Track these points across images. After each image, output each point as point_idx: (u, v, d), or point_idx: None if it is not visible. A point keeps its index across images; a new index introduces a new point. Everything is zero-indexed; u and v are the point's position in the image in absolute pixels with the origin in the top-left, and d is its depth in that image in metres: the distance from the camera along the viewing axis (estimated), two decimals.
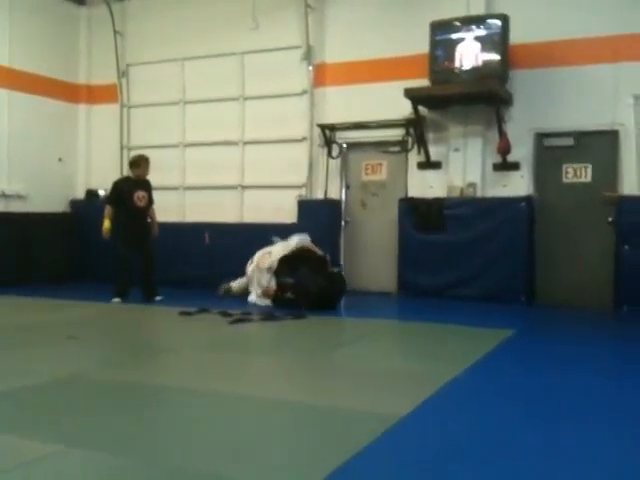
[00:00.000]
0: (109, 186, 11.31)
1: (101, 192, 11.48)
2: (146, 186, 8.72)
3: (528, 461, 3.02)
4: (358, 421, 3.59)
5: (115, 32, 11.34)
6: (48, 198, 10.98)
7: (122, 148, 11.46)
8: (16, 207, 10.42)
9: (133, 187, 8.60)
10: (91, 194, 11.52)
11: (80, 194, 11.62)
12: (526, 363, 5.32)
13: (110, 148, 11.49)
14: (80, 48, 11.71)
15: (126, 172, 11.34)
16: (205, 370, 4.83)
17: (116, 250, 8.44)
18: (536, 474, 2.87)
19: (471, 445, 3.25)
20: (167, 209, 10.87)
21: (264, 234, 9.22)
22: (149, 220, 8.75)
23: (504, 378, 4.72)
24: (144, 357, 5.28)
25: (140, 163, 8.71)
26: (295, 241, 8.47)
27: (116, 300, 8.35)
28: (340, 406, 3.87)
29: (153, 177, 11.01)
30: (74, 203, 11.51)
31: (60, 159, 11.42)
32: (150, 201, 8.75)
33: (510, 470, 2.92)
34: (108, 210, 8.51)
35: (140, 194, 8.57)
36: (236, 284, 9.05)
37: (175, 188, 11.02)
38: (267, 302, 8.24)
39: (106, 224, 8.40)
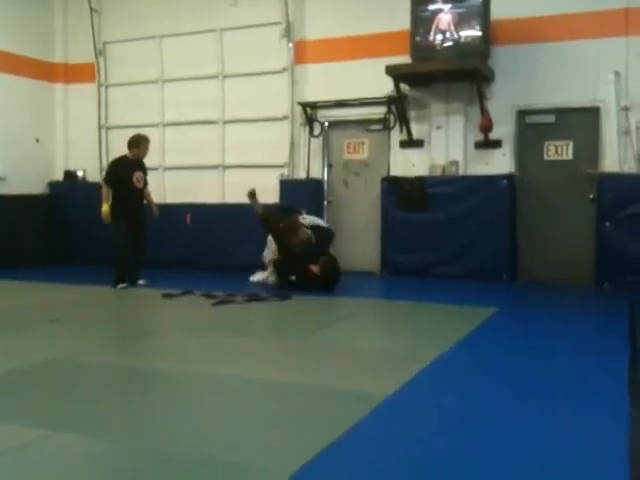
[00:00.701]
0: (87, 167, 11.30)
1: (80, 173, 11.36)
2: (143, 167, 8.42)
3: (510, 437, 3.06)
4: (345, 401, 3.61)
5: (91, 9, 11.11)
6: (26, 180, 10.81)
7: (100, 128, 11.30)
8: None
9: (132, 167, 8.23)
10: (70, 175, 11.37)
11: (59, 175, 11.45)
12: (509, 341, 5.36)
13: (88, 128, 11.31)
14: (56, 26, 11.47)
15: (105, 152, 11.25)
16: (189, 352, 4.81)
17: (116, 233, 8.10)
18: (518, 450, 2.90)
19: (457, 422, 3.29)
20: None
21: (246, 214, 9.15)
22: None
23: (488, 356, 4.76)
24: (127, 340, 5.25)
25: (140, 142, 8.31)
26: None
27: (122, 285, 8.05)
28: (327, 386, 3.89)
29: None
30: (53, 184, 11.36)
31: (37, 140, 11.24)
32: (145, 182, 8.49)
33: (493, 445, 2.96)
34: (106, 192, 8.11)
35: (138, 175, 8.27)
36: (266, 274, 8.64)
37: (155, 168, 10.83)
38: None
39: (105, 208, 8.02)
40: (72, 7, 11.41)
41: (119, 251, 8.17)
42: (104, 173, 8.25)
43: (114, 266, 8.22)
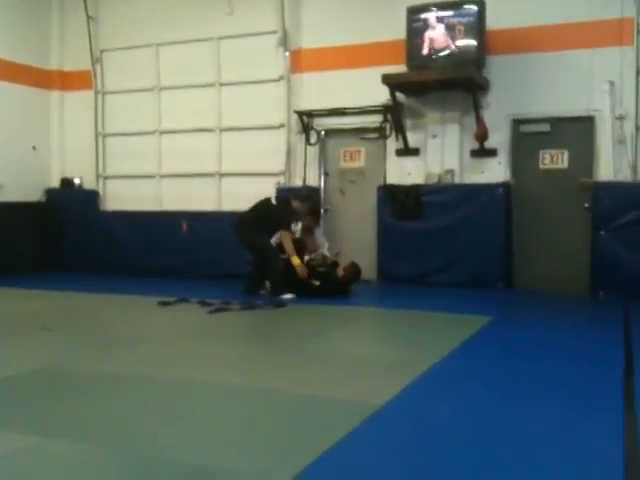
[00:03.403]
0: (84, 174, 11.30)
1: (76, 180, 11.37)
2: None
3: (504, 447, 3.06)
4: (339, 409, 3.62)
5: (88, 17, 11.14)
6: (23, 187, 10.82)
7: (97, 135, 11.30)
8: None
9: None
10: (66, 182, 11.38)
11: (55, 183, 11.46)
12: (504, 349, 5.36)
13: (85, 135, 11.32)
14: (52, 34, 11.50)
15: (101, 160, 11.28)
16: (182, 360, 4.80)
17: (273, 251, 8.17)
18: (512, 459, 2.90)
19: (451, 431, 3.29)
20: (143, 198, 10.82)
21: None
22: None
23: (483, 365, 4.76)
24: (119, 348, 5.21)
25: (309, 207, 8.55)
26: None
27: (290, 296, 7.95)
28: (320, 394, 3.89)
29: (129, 165, 11.00)
30: (49, 192, 11.36)
31: (34, 147, 11.25)
32: None
33: (487, 453, 2.96)
34: (291, 240, 8.16)
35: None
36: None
37: (151, 176, 10.92)
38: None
39: (297, 261, 8.00)
40: (69, 14, 11.44)
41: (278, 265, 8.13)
42: (285, 221, 8.26)
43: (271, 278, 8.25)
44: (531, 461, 2.89)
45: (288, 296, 7.84)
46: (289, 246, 8.06)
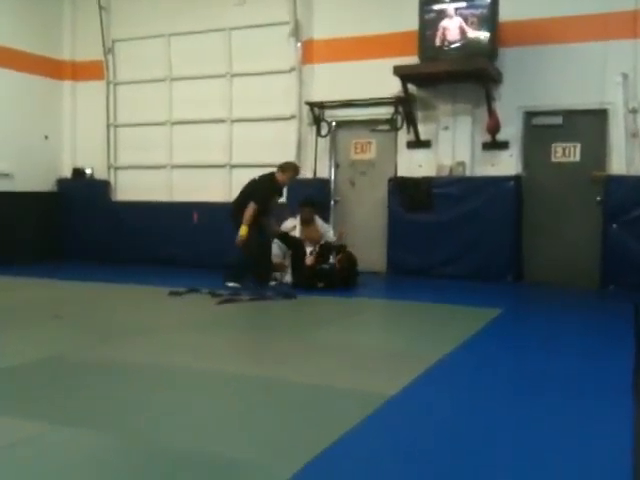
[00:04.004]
0: (95, 164, 11.34)
1: (88, 170, 11.40)
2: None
3: (513, 440, 3.05)
4: (348, 400, 3.61)
5: (100, 7, 11.15)
6: (34, 177, 10.87)
7: (108, 126, 11.33)
8: (1, 186, 10.29)
9: (278, 192, 8.36)
10: (78, 172, 11.42)
11: (67, 172, 11.50)
12: (513, 342, 5.35)
13: (96, 126, 11.35)
14: (64, 24, 11.51)
15: (113, 150, 11.30)
16: (189, 350, 4.81)
17: (250, 244, 7.94)
18: (521, 452, 2.90)
19: (460, 423, 3.29)
20: (154, 188, 10.85)
21: None
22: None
23: (492, 357, 4.76)
24: (129, 336, 5.24)
25: (296, 171, 8.46)
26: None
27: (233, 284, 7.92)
28: (328, 385, 3.89)
29: (140, 156, 11.02)
30: (61, 182, 11.41)
31: (46, 137, 11.28)
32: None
33: (495, 446, 2.96)
34: (253, 213, 7.93)
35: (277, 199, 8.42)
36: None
37: (162, 167, 10.94)
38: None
39: (244, 231, 7.85)
40: (81, 5, 11.45)
41: (252, 258, 8.02)
42: (256, 193, 8.04)
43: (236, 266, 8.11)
44: (539, 453, 2.88)
45: (232, 285, 7.83)
46: (247, 215, 7.87)
